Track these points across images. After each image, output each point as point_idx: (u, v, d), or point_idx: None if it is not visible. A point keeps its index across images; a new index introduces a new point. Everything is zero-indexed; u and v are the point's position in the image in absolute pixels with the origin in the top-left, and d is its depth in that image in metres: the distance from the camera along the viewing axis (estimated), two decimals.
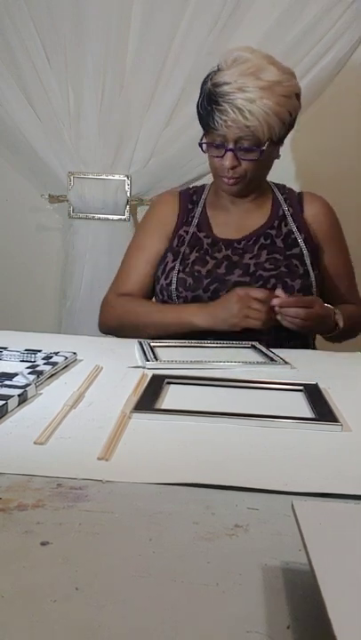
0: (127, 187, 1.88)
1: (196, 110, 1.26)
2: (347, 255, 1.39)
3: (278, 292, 1.15)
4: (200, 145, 1.25)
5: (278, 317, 1.13)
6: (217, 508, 0.48)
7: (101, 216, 1.91)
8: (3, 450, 0.59)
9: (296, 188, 1.43)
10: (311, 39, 1.72)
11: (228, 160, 1.21)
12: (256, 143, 1.20)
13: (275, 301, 1.12)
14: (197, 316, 1.20)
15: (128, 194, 1.89)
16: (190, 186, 1.47)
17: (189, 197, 1.40)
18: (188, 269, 1.27)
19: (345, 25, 1.71)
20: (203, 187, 1.42)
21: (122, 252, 1.90)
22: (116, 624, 0.34)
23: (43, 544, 0.42)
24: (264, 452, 0.61)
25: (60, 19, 1.76)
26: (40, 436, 0.61)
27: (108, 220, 1.91)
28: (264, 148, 1.21)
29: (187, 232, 1.34)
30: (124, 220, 1.91)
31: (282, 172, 1.46)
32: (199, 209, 1.37)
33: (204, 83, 1.23)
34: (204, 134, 1.25)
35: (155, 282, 1.35)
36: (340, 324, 1.23)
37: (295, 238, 1.30)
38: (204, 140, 1.25)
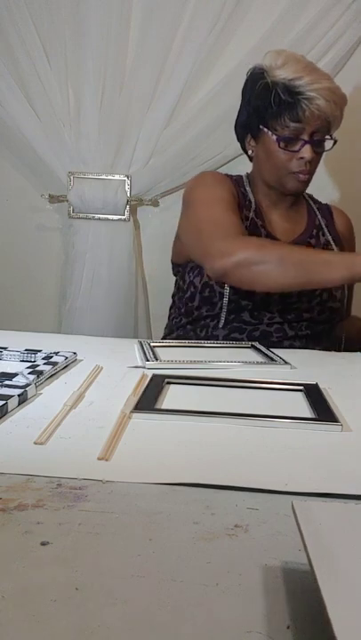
0: (127, 187, 1.88)
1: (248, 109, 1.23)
2: None
3: None
4: (278, 141, 1.19)
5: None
6: (217, 508, 0.48)
7: (101, 216, 1.91)
8: (3, 450, 0.59)
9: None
10: (311, 39, 1.72)
11: (307, 152, 1.19)
12: (328, 134, 1.22)
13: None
14: (346, 260, 1.06)
15: (128, 194, 1.89)
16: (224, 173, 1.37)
17: (236, 183, 1.32)
18: None
19: (345, 25, 1.71)
20: (240, 177, 1.35)
21: (122, 252, 1.91)
22: (116, 624, 0.34)
23: (43, 544, 0.42)
24: (264, 452, 0.61)
25: (60, 19, 1.76)
26: (40, 436, 0.61)
27: (108, 220, 1.91)
28: (336, 138, 1.22)
29: (246, 217, 1.27)
30: (124, 220, 1.91)
31: None
32: (252, 197, 1.30)
33: (258, 81, 1.19)
34: (269, 133, 1.20)
35: None
36: None
37: (332, 250, 1.30)
38: (272, 137, 1.20)
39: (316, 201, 1.39)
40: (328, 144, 1.25)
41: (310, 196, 1.39)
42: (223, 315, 1.23)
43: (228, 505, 0.49)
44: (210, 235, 1.15)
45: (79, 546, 0.42)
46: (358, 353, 1.10)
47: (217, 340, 1.25)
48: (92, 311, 1.90)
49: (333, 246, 1.30)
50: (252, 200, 1.30)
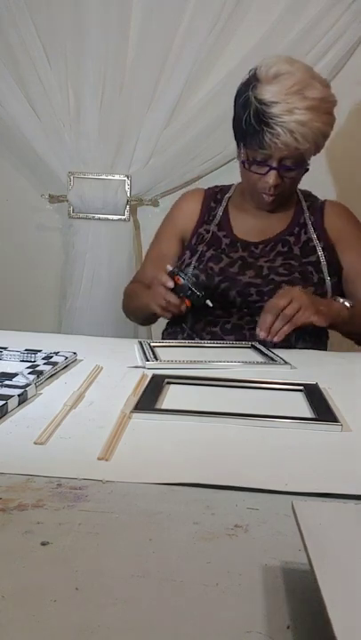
0: (127, 187, 1.88)
1: (233, 121, 1.24)
2: None
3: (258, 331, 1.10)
4: (243, 163, 1.24)
5: (276, 339, 1.08)
6: (217, 508, 0.48)
7: (101, 216, 1.90)
8: (3, 450, 0.59)
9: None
10: (311, 39, 1.71)
11: (272, 178, 1.21)
12: (300, 161, 1.21)
13: (262, 335, 1.08)
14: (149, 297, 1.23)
15: (128, 194, 1.89)
16: (218, 185, 1.46)
17: (214, 196, 1.40)
18: (202, 266, 1.29)
19: (345, 25, 1.71)
20: (230, 186, 1.42)
21: (122, 252, 1.92)
22: (116, 624, 0.34)
23: (43, 544, 0.42)
24: (264, 452, 0.61)
25: (60, 19, 1.76)
26: (40, 436, 0.61)
27: (108, 220, 1.91)
28: (308, 166, 1.22)
29: (207, 230, 1.35)
30: (124, 220, 1.91)
31: None
32: (221, 208, 1.37)
33: (243, 94, 1.19)
34: (242, 148, 1.23)
35: None
36: (347, 303, 1.17)
37: (313, 246, 1.30)
38: (242, 156, 1.23)
39: (309, 198, 1.39)
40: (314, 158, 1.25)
41: (307, 193, 1.39)
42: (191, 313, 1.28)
43: (228, 505, 0.49)
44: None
45: (79, 546, 0.42)
46: (358, 353, 1.10)
47: (195, 335, 1.29)
48: (92, 311, 1.90)
49: (316, 243, 1.30)
50: (220, 213, 1.36)
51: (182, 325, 1.32)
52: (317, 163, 1.89)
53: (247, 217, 1.35)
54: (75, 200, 1.88)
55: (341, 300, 1.19)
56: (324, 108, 1.16)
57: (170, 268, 1.18)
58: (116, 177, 1.88)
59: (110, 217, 1.91)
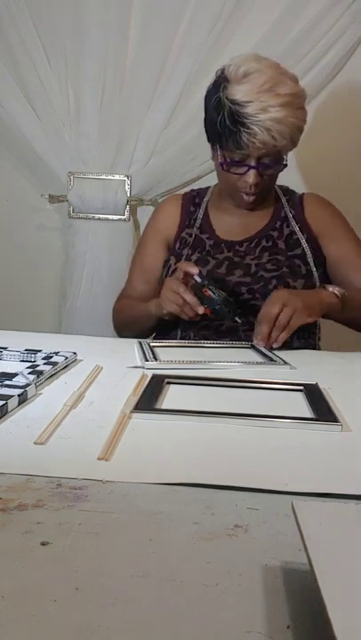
0: (127, 187, 1.88)
1: (204, 121, 1.24)
2: (355, 243, 1.34)
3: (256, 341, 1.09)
4: (221, 165, 1.23)
5: (275, 346, 1.08)
6: (217, 508, 0.48)
7: (101, 216, 1.90)
8: (3, 450, 0.59)
9: (297, 190, 1.44)
10: (311, 39, 1.72)
11: (252, 177, 1.21)
12: (279, 158, 1.21)
13: (260, 345, 1.08)
14: (152, 304, 1.23)
15: (128, 194, 1.89)
16: (194, 188, 1.48)
17: (192, 200, 1.41)
18: None
19: (345, 25, 1.71)
20: (206, 189, 1.43)
21: (122, 252, 1.92)
22: (116, 624, 0.34)
23: (43, 544, 0.42)
24: (264, 452, 0.61)
25: (60, 19, 1.76)
26: (40, 436, 0.61)
27: (108, 220, 1.91)
28: (286, 162, 1.22)
29: (190, 234, 1.35)
30: (124, 220, 1.91)
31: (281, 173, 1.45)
32: (201, 211, 1.38)
33: (213, 95, 1.18)
34: (219, 150, 1.22)
35: (160, 285, 1.35)
36: (336, 291, 1.17)
37: (297, 239, 1.30)
38: (220, 157, 1.22)
39: (288, 192, 1.39)
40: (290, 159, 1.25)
41: (285, 188, 1.39)
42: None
43: (228, 505, 0.49)
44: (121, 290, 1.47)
45: (79, 546, 0.42)
46: (358, 353, 1.10)
47: (190, 337, 1.28)
48: (92, 311, 1.90)
49: (299, 235, 1.30)
50: (200, 216, 1.37)
51: (173, 332, 1.30)
52: (316, 164, 1.90)
53: (228, 217, 1.35)
54: (75, 200, 1.88)
55: (331, 289, 1.18)
56: (297, 102, 1.17)
57: (198, 278, 1.13)
58: (116, 177, 1.88)
59: (110, 217, 1.91)
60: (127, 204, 1.89)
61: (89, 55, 1.77)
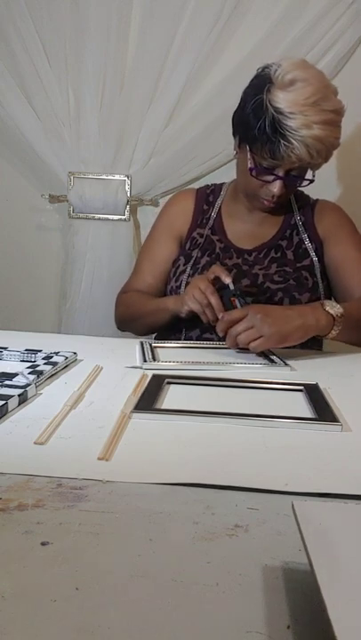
0: (127, 187, 1.88)
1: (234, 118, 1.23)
2: (359, 250, 1.30)
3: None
4: (250, 170, 1.19)
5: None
6: (217, 508, 0.48)
7: (101, 216, 1.90)
8: (3, 450, 0.59)
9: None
10: (311, 39, 1.71)
11: (277, 188, 1.19)
12: (306, 172, 1.20)
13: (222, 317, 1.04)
14: (171, 299, 1.22)
15: (128, 194, 1.88)
16: (209, 184, 1.45)
17: (205, 197, 1.39)
18: (197, 274, 1.26)
19: (345, 25, 1.71)
20: (220, 186, 1.40)
21: (122, 252, 1.92)
22: (116, 624, 0.34)
23: (43, 544, 0.42)
24: (264, 452, 0.61)
25: (60, 19, 1.76)
26: (40, 436, 0.62)
27: (108, 220, 1.91)
28: (314, 178, 1.21)
29: (201, 235, 1.34)
30: (125, 220, 1.91)
31: None
32: (215, 211, 1.36)
33: (255, 95, 1.14)
34: (248, 152, 1.18)
35: (166, 283, 1.36)
36: (333, 311, 1.05)
37: (306, 249, 1.29)
38: (249, 161, 1.19)
39: (302, 198, 1.37)
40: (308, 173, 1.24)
41: (298, 194, 1.37)
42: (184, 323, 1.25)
43: (228, 505, 0.49)
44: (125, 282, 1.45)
45: (79, 546, 0.42)
46: (359, 353, 1.10)
47: (191, 338, 1.27)
48: (92, 311, 1.90)
49: (308, 245, 1.29)
50: (213, 216, 1.35)
51: (176, 334, 1.30)
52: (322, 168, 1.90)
53: (240, 223, 1.34)
54: (75, 200, 1.88)
55: (328, 308, 1.06)
56: (338, 120, 1.16)
57: (232, 286, 1.10)
58: (116, 177, 1.88)
59: (110, 217, 1.91)
60: (127, 204, 1.89)
61: (89, 55, 1.77)
